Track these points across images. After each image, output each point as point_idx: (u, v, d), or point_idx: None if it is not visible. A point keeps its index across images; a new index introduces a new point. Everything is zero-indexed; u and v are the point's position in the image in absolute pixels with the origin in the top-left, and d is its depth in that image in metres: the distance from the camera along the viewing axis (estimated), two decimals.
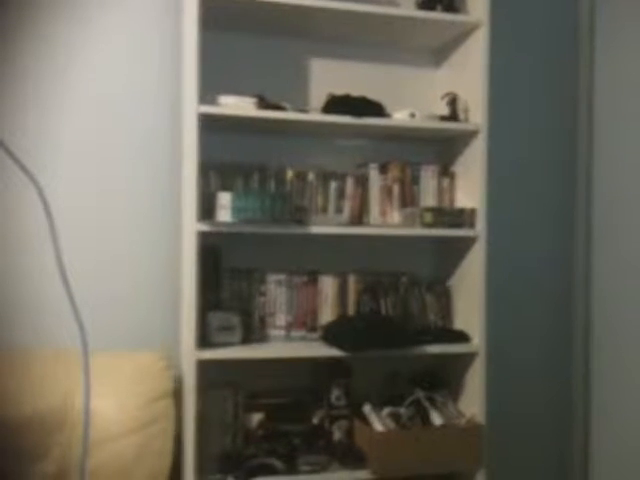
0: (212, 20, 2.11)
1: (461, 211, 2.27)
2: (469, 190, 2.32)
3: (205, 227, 2.00)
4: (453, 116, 2.30)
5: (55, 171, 2.19)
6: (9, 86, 2.16)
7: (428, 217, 2.22)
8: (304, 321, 2.28)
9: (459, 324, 2.38)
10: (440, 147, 2.51)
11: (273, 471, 2.03)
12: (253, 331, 2.21)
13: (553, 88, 2.73)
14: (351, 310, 2.32)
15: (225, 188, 2.17)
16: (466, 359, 2.28)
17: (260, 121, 2.12)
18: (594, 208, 2.68)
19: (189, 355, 1.98)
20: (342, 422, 2.20)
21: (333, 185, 2.31)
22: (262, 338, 2.23)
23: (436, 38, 2.39)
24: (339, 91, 2.24)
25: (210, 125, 2.09)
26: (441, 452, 2.10)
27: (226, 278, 2.22)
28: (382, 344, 2.11)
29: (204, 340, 2.06)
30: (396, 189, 2.36)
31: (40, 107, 2.19)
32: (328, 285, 2.31)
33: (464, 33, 2.31)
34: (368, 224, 2.33)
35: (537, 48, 2.71)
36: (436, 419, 2.16)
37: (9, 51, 2.16)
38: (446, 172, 2.42)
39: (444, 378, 2.39)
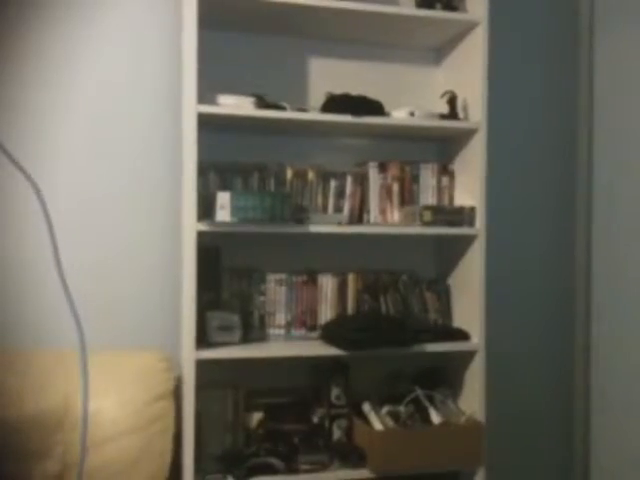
0: (211, 19, 2.11)
1: (460, 209, 2.27)
2: (468, 188, 2.32)
3: (205, 227, 2.00)
4: (452, 114, 2.29)
5: (54, 171, 2.19)
6: (7, 87, 2.16)
7: (428, 215, 2.22)
8: (304, 320, 2.29)
9: (459, 322, 2.38)
10: (439, 145, 2.51)
11: (273, 470, 2.04)
12: (253, 330, 2.22)
13: (553, 86, 2.72)
14: (351, 309, 2.33)
15: (224, 188, 2.17)
16: (466, 357, 2.28)
17: (259, 120, 2.12)
18: (594, 205, 2.68)
19: (189, 355, 1.98)
20: (342, 421, 2.20)
21: (333, 184, 2.31)
22: (262, 337, 2.23)
23: (435, 36, 2.39)
24: (338, 90, 2.24)
25: (209, 125, 2.09)
26: (441, 450, 2.10)
27: (226, 278, 2.22)
28: (382, 343, 2.12)
29: (204, 340, 2.06)
30: (396, 188, 2.36)
31: (39, 107, 2.18)
32: (328, 284, 2.31)
33: (463, 31, 2.31)
34: (368, 223, 2.33)
35: (536, 46, 2.70)
36: (435, 417, 2.16)
37: (8, 51, 2.16)
38: (445, 170, 2.42)
39: (444, 376, 2.39)
